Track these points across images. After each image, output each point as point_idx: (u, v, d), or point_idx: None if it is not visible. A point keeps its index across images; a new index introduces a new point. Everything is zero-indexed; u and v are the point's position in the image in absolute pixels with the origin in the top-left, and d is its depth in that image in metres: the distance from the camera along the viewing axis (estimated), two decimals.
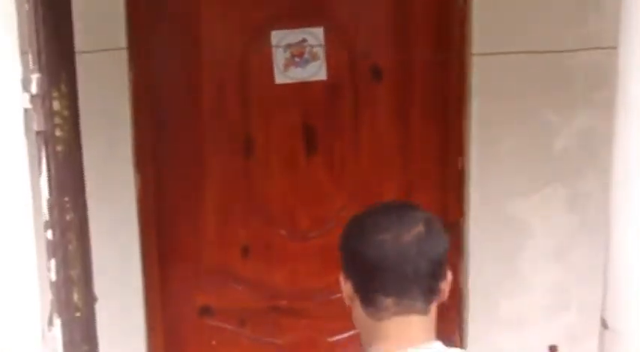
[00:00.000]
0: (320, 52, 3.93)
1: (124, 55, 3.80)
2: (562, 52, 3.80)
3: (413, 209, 2.11)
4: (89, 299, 2.40)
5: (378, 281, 2.02)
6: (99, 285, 2.52)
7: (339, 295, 2.14)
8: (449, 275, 2.05)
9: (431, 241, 2.03)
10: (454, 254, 3.88)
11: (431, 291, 2.02)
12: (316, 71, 3.95)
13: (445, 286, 2.04)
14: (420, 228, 2.04)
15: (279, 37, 3.92)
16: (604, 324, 2.22)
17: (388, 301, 2.00)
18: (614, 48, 2.15)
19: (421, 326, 2.02)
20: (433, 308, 2.03)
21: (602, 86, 3.59)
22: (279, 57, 3.93)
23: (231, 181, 3.94)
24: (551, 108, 3.90)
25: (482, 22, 3.86)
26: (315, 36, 3.92)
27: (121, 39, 3.79)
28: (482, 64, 3.83)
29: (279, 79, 3.95)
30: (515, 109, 3.86)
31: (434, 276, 2.02)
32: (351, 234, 2.08)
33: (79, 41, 2.40)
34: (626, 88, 2.07)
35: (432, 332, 2.04)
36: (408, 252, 2.01)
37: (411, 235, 2.02)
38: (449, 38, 3.94)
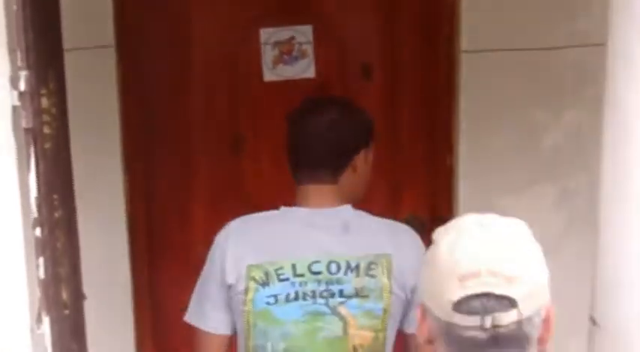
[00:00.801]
0: (309, 49, 3.93)
1: (112, 53, 3.80)
2: (550, 49, 3.80)
3: (335, 101, 2.77)
4: (78, 297, 2.39)
5: (295, 155, 2.66)
6: (87, 283, 2.51)
7: None
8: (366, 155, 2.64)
9: (339, 127, 2.59)
10: None
11: (338, 166, 2.60)
12: (305, 69, 3.96)
13: (359, 162, 2.61)
14: (332, 116, 2.61)
15: (268, 35, 3.92)
16: (593, 322, 2.22)
17: (303, 172, 2.62)
18: (602, 45, 2.15)
19: (331, 193, 2.59)
20: (344, 179, 2.59)
21: (590, 83, 3.59)
22: (267, 54, 3.93)
23: (220, 179, 3.94)
24: (539, 106, 3.91)
25: (470, 19, 3.86)
26: (303, 33, 3.92)
27: (109, 37, 3.79)
28: (471, 62, 3.83)
29: (268, 76, 3.95)
30: (504, 107, 3.87)
31: (339, 154, 2.59)
32: (288, 118, 2.71)
33: (68, 39, 2.40)
34: (614, 86, 2.07)
35: (344, 199, 2.59)
36: (317, 134, 2.60)
37: (322, 121, 2.61)
38: (438, 35, 3.95)
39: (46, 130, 2.17)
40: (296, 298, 2.51)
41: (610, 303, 2.19)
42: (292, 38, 3.94)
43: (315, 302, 2.51)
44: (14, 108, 2.01)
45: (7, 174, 1.99)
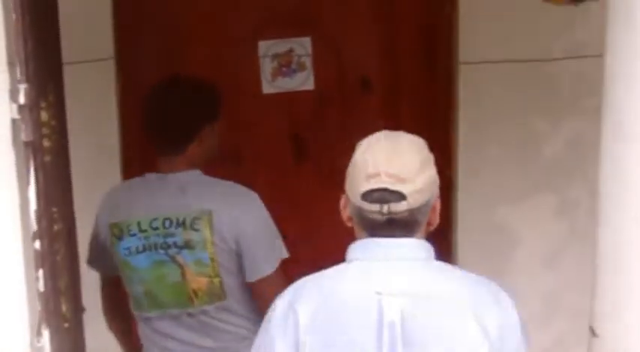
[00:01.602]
0: (307, 61, 3.93)
1: (111, 66, 3.81)
2: (549, 60, 3.81)
3: (182, 80, 3.05)
4: (77, 309, 2.39)
5: (147, 130, 3.04)
6: (86, 296, 2.51)
7: None
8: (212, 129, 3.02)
9: (182, 104, 2.97)
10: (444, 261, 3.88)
11: (183, 139, 2.96)
12: (304, 81, 3.96)
13: (204, 135, 2.98)
14: (176, 94, 3.00)
15: (267, 47, 3.92)
16: (593, 332, 2.22)
17: (155, 143, 3.01)
18: (601, 56, 2.15)
19: (179, 161, 2.97)
20: (191, 149, 2.96)
21: (589, 94, 3.58)
22: (266, 67, 3.93)
23: None
24: (539, 116, 3.92)
25: (469, 31, 3.87)
26: (302, 45, 3.93)
27: (109, 49, 3.80)
28: (470, 73, 3.84)
29: (267, 88, 3.95)
30: (504, 117, 3.88)
31: (183, 128, 2.97)
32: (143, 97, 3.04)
33: (67, 52, 2.40)
34: (612, 96, 2.08)
35: (192, 165, 2.98)
36: (163, 111, 2.98)
37: (168, 99, 3.00)
38: (436, 47, 3.96)
39: (46, 143, 2.17)
40: (144, 249, 2.97)
41: (609, 314, 2.18)
42: (291, 50, 3.94)
43: (157, 253, 2.96)
44: (13, 122, 2.01)
45: (6, 187, 1.99)
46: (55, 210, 2.22)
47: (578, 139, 3.89)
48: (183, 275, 2.97)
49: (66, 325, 2.29)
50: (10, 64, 2.02)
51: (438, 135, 3.97)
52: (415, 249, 2.21)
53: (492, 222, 3.94)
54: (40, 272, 2.17)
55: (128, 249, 2.98)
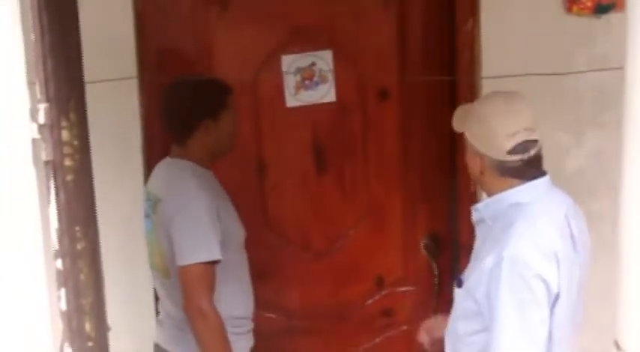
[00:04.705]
0: (329, 74, 3.95)
1: (134, 84, 3.82)
2: (570, 73, 3.80)
3: (188, 80, 3.49)
4: (102, 328, 2.39)
5: (164, 121, 3.54)
6: (112, 314, 2.51)
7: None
8: (209, 125, 3.41)
9: (188, 102, 3.39)
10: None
11: (182, 132, 3.42)
12: (325, 93, 4.00)
13: (203, 131, 3.38)
14: (176, 93, 3.45)
15: (289, 62, 3.95)
16: (617, 346, 2.21)
17: (168, 134, 3.51)
18: (622, 68, 2.14)
19: (182, 151, 3.44)
20: (191, 143, 3.42)
21: (611, 107, 3.58)
22: (289, 81, 3.96)
23: (244, 203, 3.88)
24: (560, 130, 3.90)
25: (490, 45, 3.87)
26: (323, 58, 3.95)
27: (132, 68, 3.81)
28: (492, 87, 3.82)
29: (290, 102, 3.99)
30: None
31: (182, 124, 3.42)
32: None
33: (90, 71, 2.41)
34: (632, 108, 2.07)
35: (193, 156, 3.42)
36: (168, 104, 3.47)
37: (169, 96, 3.46)
38: (458, 61, 3.95)
39: (68, 162, 2.17)
40: (147, 215, 3.53)
41: (634, 327, 2.17)
42: (313, 64, 3.97)
43: (148, 221, 3.51)
44: (34, 141, 2.02)
45: (28, 206, 2.00)
46: (77, 228, 2.22)
47: (601, 152, 3.87)
48: (154, 245, 3.49)
49: (90, 344, 2.29)
50: (32, 84, 2.03)
51: (460, 148, 3.96)
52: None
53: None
54: (62, 291, 2.18)
55: (144, 211, 3.56)
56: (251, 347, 3.57)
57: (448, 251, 4.18)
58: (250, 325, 3.56)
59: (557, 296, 2.76)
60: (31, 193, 2.00)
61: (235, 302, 3.46)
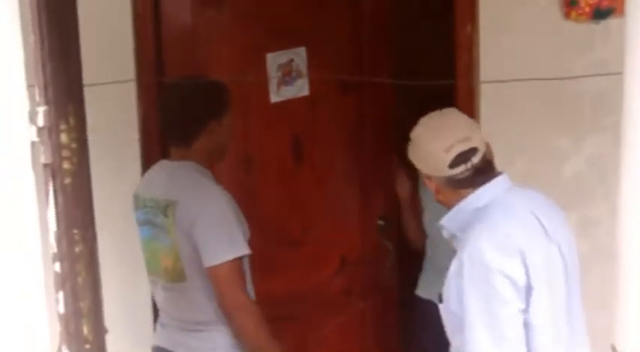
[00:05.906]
0: (304, 69, 4.15)
1: (132, 88, 3.82)
2: (570, 78, 3.80)
3: (189, 82, 3.46)
4: (99, 331, 2.39)
5: (162, 124, 3.66)
6: (109, 317, 2.51)
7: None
8: (214, 127, 3.42)
9: (194, 104, 3.40)
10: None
11: (189, 136, 3.41)
12: (301, 88, 4.17)
13: (208, 132, 3.39)
14: (180, 95, 3.45)
15: (272, 59, 4.10)
16: (614, 351, 2.21)
17: (169, 137, 3.52)
18: (621, 73, 2.14)
19: (183, 155, 3.43)
20: (195, 145, 3.42)
21: (610, 111, 3.59)
22: (273, 77, 4.03)
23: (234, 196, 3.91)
24: (559, 135, 3.90)
25: (490, 49, 3.87)
26: (299, 55, 4.11)
27: (130, 72, 3.81)
28: (491, 92, 3.83)
29: (274, 98, 4.14)
30: (525, 136, 3.87)
31: (190, 126, 3.40)
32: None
33: (88, 73, 2.41)
34: (631, 113, 2.07)
35: (197, 158, 3.42)
36: (173, 107, 3.47)
37: (184, 99, 3.42)
38: (457, 65, 3.96)
39: (66, 165, 2.17)
40: (144, 223, 3.50)
41: (631, 332, 2.17)
42: (291, 60, 4.13)
43: (148, 228, 3.48)
44: (33, 144, 2.02)
45: (26, 209, 2.00)
46: (76, 231, 2.22)
47: (600, 157, 3.88)
48: (159, 252, 3.45)
49: (87, 347, 2.29)
50: (31, 87, 2.03)
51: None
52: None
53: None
54: (60, 294, 2.18)
55: (138, 219, 3.54)
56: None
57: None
58: None
59: (528, 288, 2.77)
60: (29, 196, 1.99)
61: None
